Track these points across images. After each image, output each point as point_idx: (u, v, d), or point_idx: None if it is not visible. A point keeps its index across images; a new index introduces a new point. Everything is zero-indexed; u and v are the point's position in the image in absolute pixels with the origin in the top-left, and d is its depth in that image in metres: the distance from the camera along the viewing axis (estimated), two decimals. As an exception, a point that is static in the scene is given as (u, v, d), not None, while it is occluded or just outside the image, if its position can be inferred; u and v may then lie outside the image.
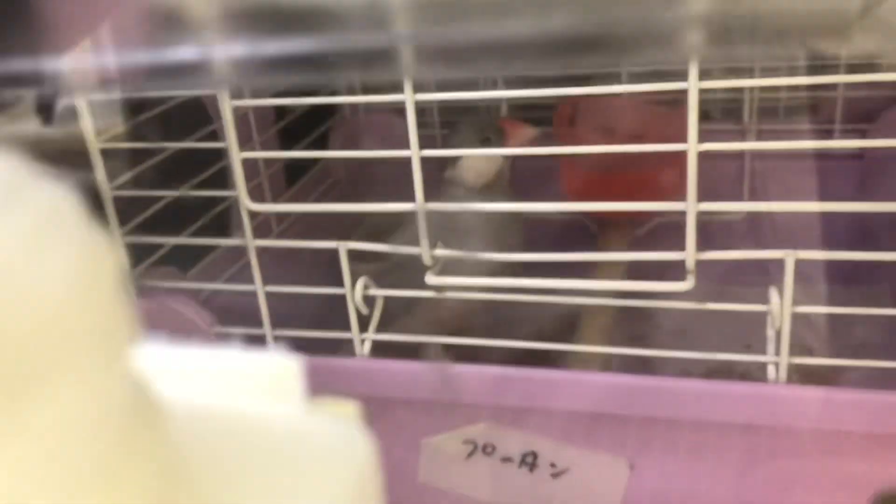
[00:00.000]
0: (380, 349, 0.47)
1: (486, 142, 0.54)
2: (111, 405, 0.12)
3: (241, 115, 0.57)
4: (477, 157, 0.54)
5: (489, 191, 0.55)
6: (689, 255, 0.40)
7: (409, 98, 0.40)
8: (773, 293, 0.40)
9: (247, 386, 0.17)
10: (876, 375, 0.41)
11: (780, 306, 0.40)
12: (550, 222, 0.71)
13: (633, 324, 0.64)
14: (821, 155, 0.68)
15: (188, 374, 0.17)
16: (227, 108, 0.41)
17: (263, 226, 0.61)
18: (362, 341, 0.47)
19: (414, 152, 0.41)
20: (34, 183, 0.12)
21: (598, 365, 0.49)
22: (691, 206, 0.39)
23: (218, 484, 0.14)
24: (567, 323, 0.56)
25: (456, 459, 0.46)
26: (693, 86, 0.37)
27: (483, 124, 0.55)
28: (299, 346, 0.23)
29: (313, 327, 0.47)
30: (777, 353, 0.41)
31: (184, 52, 0.17)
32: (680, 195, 0.39)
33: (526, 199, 0.60)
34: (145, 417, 0.13)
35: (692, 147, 0.38)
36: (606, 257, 0.44)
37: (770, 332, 0.42)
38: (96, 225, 0.13)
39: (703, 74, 0.37)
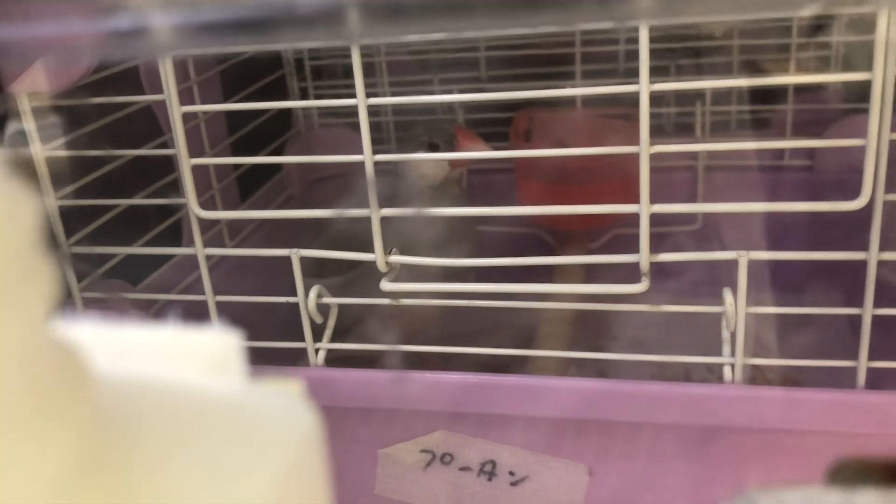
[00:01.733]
0: (341, 359, 0.47)
1: (433, 147, 0.54)
2: (27, 356, 0.12)
3: (192, 129, 0.57)
4: (424, 160, 0.54)
5: (440, 195, 0.55)
6: (644, 257, 0.40)
7: (361, 101, 0.39)
8: (728, 294, 0.41)
9: (187, 361, 0.16)
10: (828, 382, 0.41)
11: (735, 307, 0.40)
12: (508, 236, 0.71)
13: (590, 333, 0.64)
14: (772, 168, 0.69)
15: (126, 350, 0.16)
16: (176, 111, 0.41)
17: (217, 240, 0.60)
18: (316, 351, 0.46)
19: (367, 156, 0.40)
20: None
21: (556, 372, 0.49)
22: (644, 208, 0.39)
23: (152, 449, 0.13)
24: (525, 331, 0.56)
25: (413, 469, 0.45)
26: (644, 86, 0.37)
27: (435, 129, 0.55)
28: (256, 357, 0.22)
29: (271, 339, 0.46)
30: (732, 354, 0.41)
31: (124, 20, 0.16)
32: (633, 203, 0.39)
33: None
34: (68, 377, 0.13)
35: (644, 149, 0.38)
36: (562, 260, 0.43)
37: (725, 334, 0.42)
38: (24, 188, 0.12)
39: (657, 71, 0.37)
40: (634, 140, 0.38)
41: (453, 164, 0.55)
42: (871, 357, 0.40)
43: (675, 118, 0.71)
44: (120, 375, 0.14)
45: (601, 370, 0.58)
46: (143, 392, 0.15)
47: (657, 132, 0.36)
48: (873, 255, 0.38)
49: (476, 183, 0.72)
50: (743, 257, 0.39)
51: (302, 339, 0.46)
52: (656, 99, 0.72)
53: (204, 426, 0.15)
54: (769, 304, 0.43)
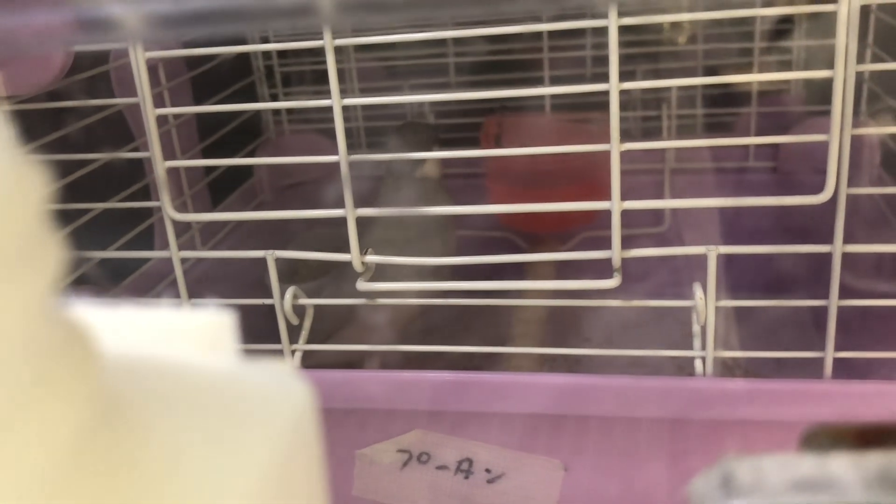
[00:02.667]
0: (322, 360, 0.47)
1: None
2: (31, 332, 0.12)
3: (164, 134, 0.57)
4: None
5: (429, 195, 0.56)
6: (615, 252, 0.40)
7: (336, 101, 0.40)
8: (698, 288, 0.41)
9: (180, 340, 0.16)
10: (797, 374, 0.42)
11: (705, 301, 0.41)
12: (479, 239, 0.71)
13: (563, 332, 0.65)
14: (736, 169, 0.70)
15: (118, 330, 0.16)
16: (150, 113, 0.41)
17: (189, 245, 0.60)
18: (293, 353, 0.46)
19: (342, 157, 0.41)
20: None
21: (531, 370, 0.50)
22: (616, 205, 0.40)
23: (154, 426, 0.14)
24: (500, 330, 0.57)
25: (391, 470, 0.46)
26: (614, 86, 0.38)
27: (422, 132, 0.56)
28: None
29: (247, 342, 0.46)
30: (703, 347, 0.42)
31: (100, 9, 0.17)
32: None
33: (454, 214, 0.61)
34: (73, 353, 0.13)
35: (615, 146, 0.39)
36: (536, 258, 0.44)
37: (696, 328, 0.43)
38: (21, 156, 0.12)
39: (624, 76, 0.38)
40: (604, 143, 0.39)
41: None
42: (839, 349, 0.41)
43: (641, 123, 0.72)
44: (118, 353, 0.15)
45: (574, 367, 0.59)
46: (142, 369, 0.15)
47: (625, 136, 0.37)
48: (837, 248, 0.39)
49: (448, 187, 0.73)
50: (712, 251, 0.40)
51: (276, 342, 0.46)
52: (624, 103, 0.72)
53: (202, 402, 0.15)
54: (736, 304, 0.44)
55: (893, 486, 0.15)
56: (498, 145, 0.69)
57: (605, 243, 0.41)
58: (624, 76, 0.38)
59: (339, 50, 0.72)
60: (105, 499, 0.12)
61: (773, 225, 0.66)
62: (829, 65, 0.36)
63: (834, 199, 0.39)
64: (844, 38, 0.36)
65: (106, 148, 0.51)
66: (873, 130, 0.40)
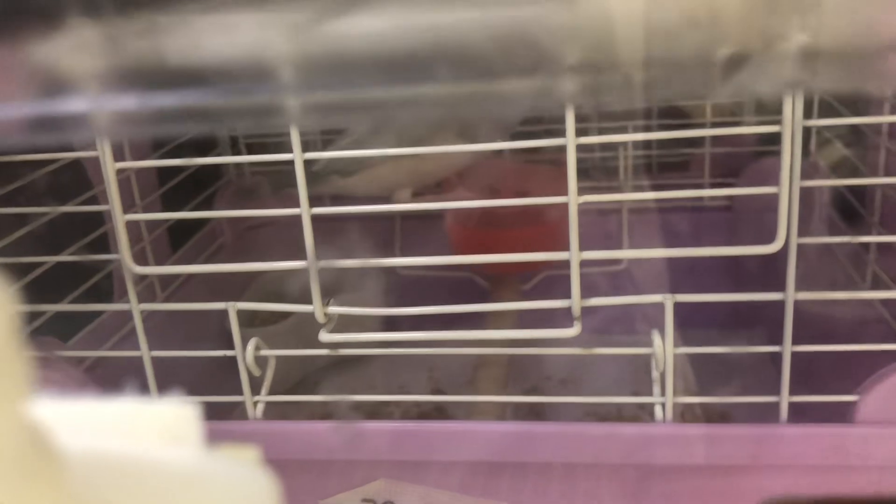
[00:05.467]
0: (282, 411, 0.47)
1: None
2: (4, 452, 0.12)
3: (123, 180, 0.56)
4: None
5: None
6: (575, 301, 0.41)
7: (297, 156, 0.40)
8: (656, 336, 0.42)
9: (143, 434, 0.16)
10: (755, 417, 0.43)
11: (663, 348, 0.42)
12: (440, 280, 0.72)
13: (525, 374, 0.66)
14: (692, 208, 0.72)
15: (82, 425, 0.16)
16: (110, 168, 0.41)
17: (148, 291, 0.59)
18: (255, 404, 0.46)
19: (304, 209, 0.41)
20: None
21: (495, 416, 0.50)
22: (574, 256, 0.40)
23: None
24: (462, 375, 0.57)
25: (355, 520, 0.45)
26: (571, 141, 0.39)
27: None
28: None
29: (207, 393, 0.46)
30: (662, 394, 0.43)
31: (67, 105, 0.17)
32: (562, 247, 0.41)
33: (413, 248, 0.61)
34: (42, 466, 0.13)
35: (573, 200, 0.39)
36: (495, 307, 0.45)
37: (655, 374, 0.43)
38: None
39: (580, 132, 0.39)
40: (562, 184, 0.40)
41: None
42: (796, 389, 0.42)
43: (599, 162, 0.74)
44: (81, 451, 0.15)
45: (537, 411, 0.59)
46: (105, 467, 0.15)
47: (583, 175, 0.38)
48: (790, 295, 0.40)
49: (407, 228, 0.73)
50: (669, 300, 0.41)
51: (233, 393, 0.46)
52: (582, 146, 0.74)
53: (165, 497, 0.15)
54: (695, 345, 0.45)
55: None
56: (457, 187, 0.69)
57: (566, 281, 0.41)
58: (581, 117, 0.39)
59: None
60: None
61: (730, 262, 0.67)
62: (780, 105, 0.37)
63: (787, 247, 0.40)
64: (791, 114, 0.37)
65: (64, 196, 0.51)
66: (822, 183, 0.41)
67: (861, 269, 0.54)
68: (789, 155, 0.37)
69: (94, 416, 0.16)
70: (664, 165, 0.74)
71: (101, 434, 0.16)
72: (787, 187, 0.38)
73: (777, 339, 0.42)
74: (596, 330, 0.45)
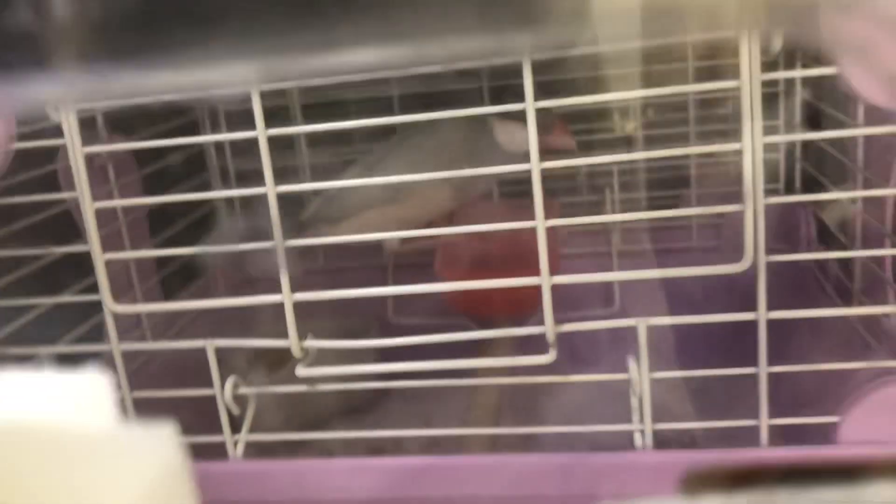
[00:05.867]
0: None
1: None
2: None
3: (114, 229, 0.57)
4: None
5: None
6: (549, 327, 0.41)
7: (270, 190, 0.41)
8: (632, 362, 0.42)
9: (57, 404, 0.17)
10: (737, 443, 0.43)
11: (639, 373, 0.41)
12: (432, 327, 0.72)
13: (513, 405, 0.65)
14: (681, 249, 0.72)
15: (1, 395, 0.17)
16: (89, 209, 0.42)
17: (140, 338, 0.60)
18: (235, 443, 0.46)
19: (278, 244, 0.42)
20: None
21: (488, 448, 0.50)
22: (545, 280, 0.41)
23: (26, 488, 0.14)
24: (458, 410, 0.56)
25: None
26: (535, 167, 0.39)
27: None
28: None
29: (188, 433, 0.46)
30: (641, 420, 0.42)
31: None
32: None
33: (404, 297, 0.62)
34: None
35: (540, 223, 0.40)
36: (474, 336, 0.45)
37: (634, 402, 0.43)
38: None
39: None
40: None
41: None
42: (793, 411, 0.41)
43: (587, 207, 0.74)
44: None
45: (527, 442, 0.58)
46: (17, 434, 0.15)
47: (572, 216, 0.40)
48: (762, 315, 0.40)
49: (397, 265, 0.74)
50: (642, 323, 0.41)
51: (212, 431, 0.45)
52: (569, 189, 0.75)
53: (76, 462, 0.15)
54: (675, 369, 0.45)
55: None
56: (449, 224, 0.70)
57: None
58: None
59: (287, 115, 0.73)
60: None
61: (721, 293, 0.67)
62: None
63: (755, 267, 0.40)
64: (749, 111, 0.37)
65: (59, 239, 0.52)
66: (786, 199, 0.42)
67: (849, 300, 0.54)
68: (751, 172, 0.38)
69: (11, 387, 0.17)
70: (651, 208, 0.75)
71: (14, 405, 0.17)
72: (750, 205, 0.38)
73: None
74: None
